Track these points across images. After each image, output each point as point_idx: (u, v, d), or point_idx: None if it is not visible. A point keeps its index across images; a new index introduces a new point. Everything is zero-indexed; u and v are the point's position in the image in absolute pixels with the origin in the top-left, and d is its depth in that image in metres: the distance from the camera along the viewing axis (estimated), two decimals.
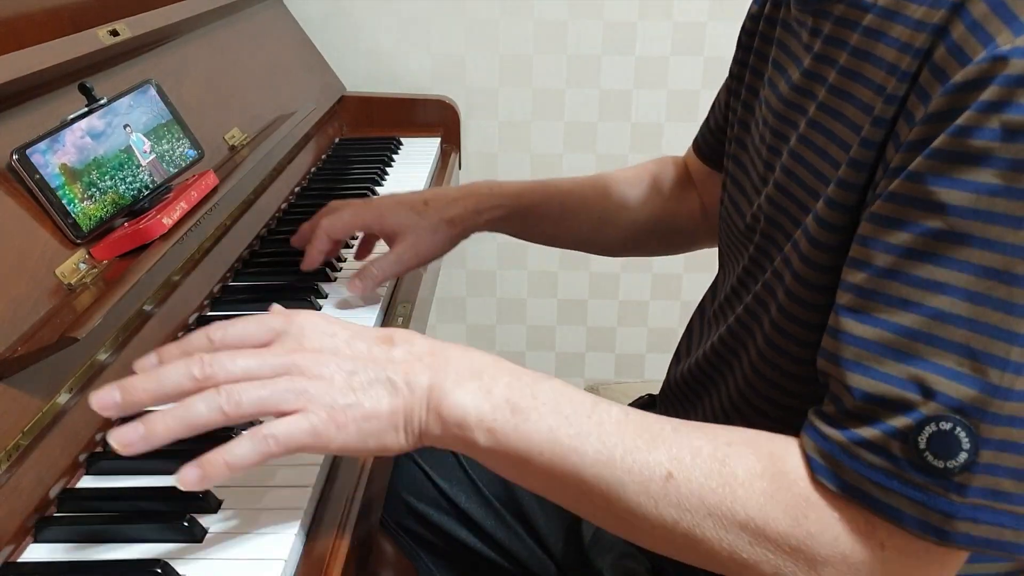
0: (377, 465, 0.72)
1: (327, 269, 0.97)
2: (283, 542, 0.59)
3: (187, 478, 0.53)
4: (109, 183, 0.82)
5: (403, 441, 0.57)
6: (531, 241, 1.00)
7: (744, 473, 0.54)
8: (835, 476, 0.52)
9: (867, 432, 0.51)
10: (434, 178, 1.41)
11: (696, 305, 0.86)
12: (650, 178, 1.01)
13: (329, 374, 0.56)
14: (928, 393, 0.49)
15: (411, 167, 1.41)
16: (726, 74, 0.85)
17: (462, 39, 1.68)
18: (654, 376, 1.90)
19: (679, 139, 1.68)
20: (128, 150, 0.86)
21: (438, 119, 1.61)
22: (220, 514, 0.62)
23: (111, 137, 0.85)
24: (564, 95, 1.71)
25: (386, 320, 0.93)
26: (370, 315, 0.90)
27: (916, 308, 0.50)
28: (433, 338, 0.61)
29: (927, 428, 0.49)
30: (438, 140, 1.53)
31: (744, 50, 0.79)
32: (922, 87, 0.52)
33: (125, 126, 0.85)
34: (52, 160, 0.77)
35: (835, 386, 0.54)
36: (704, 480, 0.54)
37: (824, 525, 0.52)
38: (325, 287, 0.94)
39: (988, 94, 0.47)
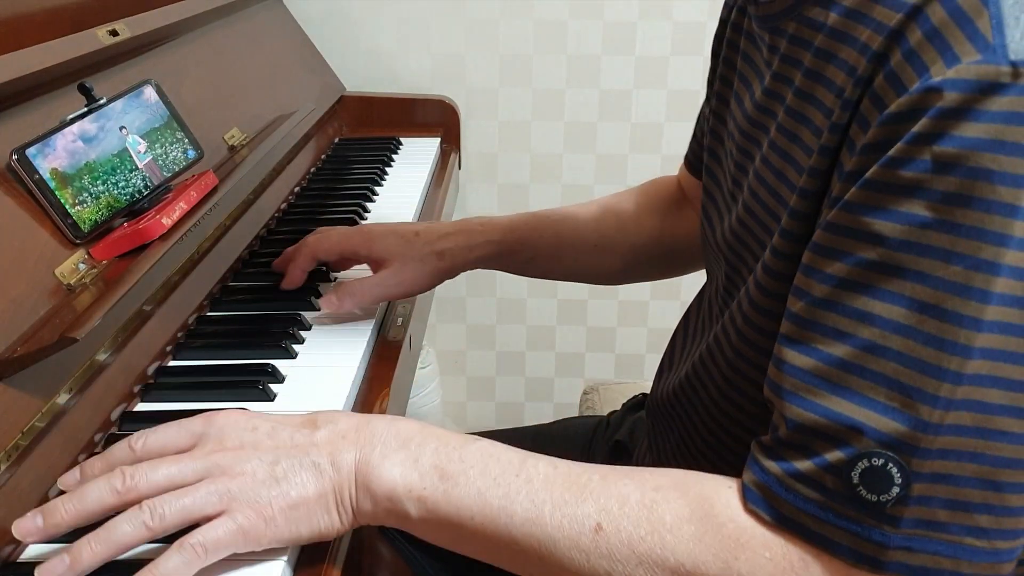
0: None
1: (327, 270, 0.97)
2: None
3: None
4: (103, 187, 0.82)
5: (337, 523, 0.57)
6: (529, 276, 0.98)
7: (672, 518, 0.54)
8: (771, 507, 0.52)
9: (802, 464, 0.51)
10: (434, 178, 1.41)
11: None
12: (645, 199, 0.99)
13: (251, 469, 0.56)
14: (860, 428, 0.49)
15: (411, 167, 1.41)
16: None
17: (462, 39, 1.68)
18: (654, 376, 1.90)
19: (679, 139, 1.68)
20: (124, 152, 0.86)
21: (438, 119, 1.61)
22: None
23: (107, 140, 0.85)
24: (564, 95, 1.71)
25: (386, 320, 0.93)
26: (370, 316, 0.90)
27: (849, 340, 0.50)
28: (357, 413, 0.61)
29: (859, 464, 0.49)
30: (438, 140, 1.53)
31: (714, 56, 0.78)
32: (863, 115, 0.51)
33: (121, 128, 0.85)
34: (50, 161, 0.77)
35: (775, 415, 0.54)
36: (633, 529, 0.54)
37: (755, 566, 0.52)
38: (324, 287, 0.94)
39: (920, 126, 0.47)
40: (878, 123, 0.49)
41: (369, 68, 1.69)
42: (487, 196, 1.77)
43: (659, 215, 0.98)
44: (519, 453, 0.58)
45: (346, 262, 0.95)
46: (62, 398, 0.67)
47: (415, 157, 1.45)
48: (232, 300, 0.92)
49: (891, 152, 0.48)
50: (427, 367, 1.79)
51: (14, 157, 0.74)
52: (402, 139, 1.52)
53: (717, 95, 0.74)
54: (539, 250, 0.94)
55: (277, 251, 1.03)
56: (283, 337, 0.84)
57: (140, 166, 0.86)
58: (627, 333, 1.89)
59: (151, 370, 0.78)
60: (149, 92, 0.93)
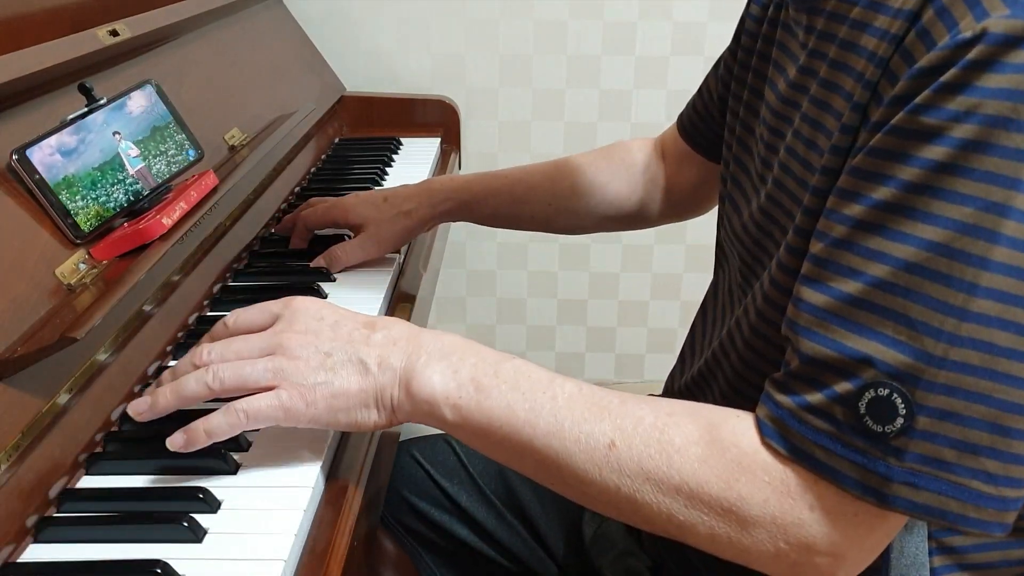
0: (378, 463, 0.73)
1: (327, 270, 0.97)
2: (283, 541, 0.59)
3: (175, 441, 0.62)
4: (92, 194, 0.82)
5: (376, 417, 0.63)
6: (496, 227, 1.08)
7: (681, 440, 0.57)
8: (783, 439, 0.55)
9: (813, 397, 0.54)
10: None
11: (697, 305, 0.85)
12: (606, 158, 1.04)
13: (307, 355, 0.62)
14: (868, 360, 0.51)
15: (411, 167, 1.41)
16: None
17: (462, 39, 1.68)
18: (654, 376, 1.91)
19: None
20: (116, 159, 0.85)
21: (438, 119, 1.61)
22: (220, 514, 0.62)
23: (98, 146, 0.85)
24: (564, 95, 1.71)
25: None
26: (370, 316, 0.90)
27: (861, 277, 0.52)
28: (411, 324, 0.66)
29: (867, 393, 0.51)
30: (438, 140, 1.53)
31: (745, 52, 0.79)
32: (892, 71, 0.54)
33: (115, 133, 0.85)
34: (50, 162, 0.77)
35: (789, 352, 0.57)
36: (643, 447, 0.57)
37: (754, 489, 0.55)
38: (325, 287, 0.95)
39: (948, 76, 0.49)
40: (907, 76, 0.51)
41: (369, 68, 1.69)
42: None
43: (619, 173, 1.03)
44: (549, 374, 0.63)
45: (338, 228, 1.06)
46: (62, 398, 0.67)
47: (415, 157, 1.45)
48: (232, 300, 0.92)
49: (917, 100, 0.50)
50: None
51: (14, 157, 0.74)
52: (402, 139, 1.52)
53: (751, 88, 0.76)
54: (497, 207, 1.03)
55: (278, 251, 1.03)
56: None
57: (132, 172, 0.85)
58: (627, 333, 1.89)
59: (151, 370, 0.78)
60: (149, 92, 0.93)
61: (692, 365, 0.79)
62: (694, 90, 0.96)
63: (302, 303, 0.66)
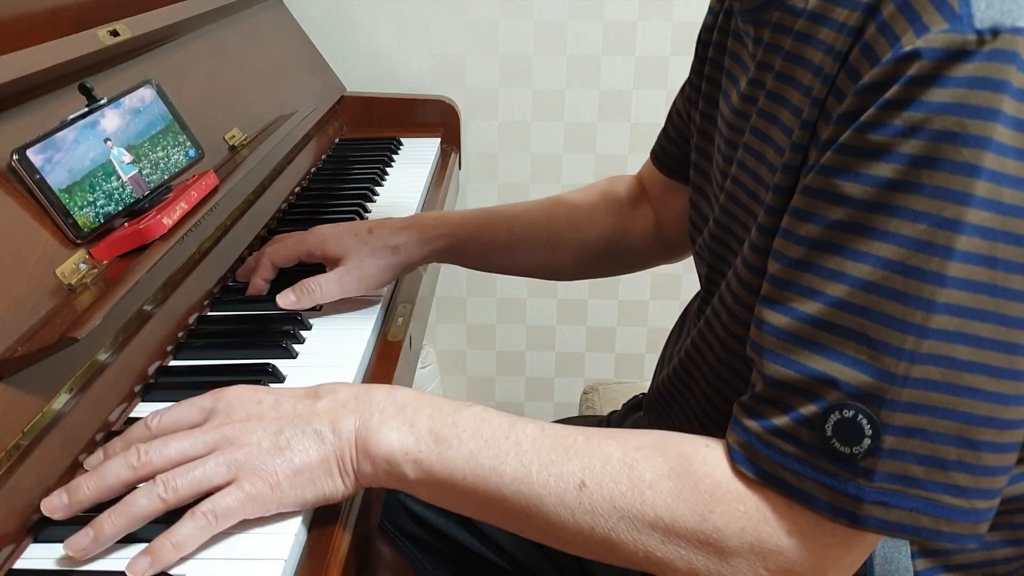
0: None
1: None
2: (283, 543, 0.59)
3: (138, 567, 0.55)
4: (93, 194, 0.82)
5: (341, 486, 0.61)
6: (484, 270, 0.99)
7: (652, 475, 0.56)
8: (752, 464, 0.54)
9: (779, 420, 0.53)
10: (434, 178, 1.41)
11: None
12: (600, 197, 1.00)
13: (256, 440, 0.59)
14: (831, 381, 0.51)
15: (411, 167, 1.41)
16: None
17: (462, 39, 1.68)
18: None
19: None
20: (107, 165, 0.85)
21: (438, 119, 1.61)
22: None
23: (98, 146, 0.85)
24: (564, 95, 1.71)
25: (386, 320, 0.93)
26: (370, 316, 0.90)
27: (821, 297, 0.52)
28: (357, 384, 0.64)
29: (832, 416, 0.51)
30: (438, 140, 1.53)
31: (700, 60, 0.79)
32: (839, 87, 0.53)
33: (106, 140, 0.84)
34: (50, 162, 0.77)
35: (755, 374, 0.56)
36: (614, 485, 0.56)
37: (729, 519, 0.54)
38: None
39: (892, 93, 0.49)
40: (853, 93, 0.51)
41: (369, 68, 1.69)
42: (487, 196, 1.77)
43: (613, 213, 0.99)
44: (509, 417, 0.61)
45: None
46: (62, 398, 0.67)
47: (415, 157, 1.45)
48: (233, 300, 0.92)
49: (863, 118, 0.50)
50: (427, 367, 1.79)
51: (15, 157, 0.74)
52: (402, 139, 1.52)
53: (705, 96, 0.76)
54: (491, 245, 0.95)
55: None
56: (283, 337, 0.84)
57: (125, 178, 0.85)
58: (627, 333, 1.89)
59: (152, 370, 0.78)
60: (149, 92, 0.93)
61: (668, 368, 0.78)
62: None
63: (234, 392, 0.63)
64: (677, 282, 1.83)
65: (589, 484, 0.57)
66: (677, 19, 1.66)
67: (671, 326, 0.88)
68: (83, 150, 0.81)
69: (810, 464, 0.52)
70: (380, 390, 0.63)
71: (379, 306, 0.92)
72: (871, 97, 0.50)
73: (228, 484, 0.58)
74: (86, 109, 0.84)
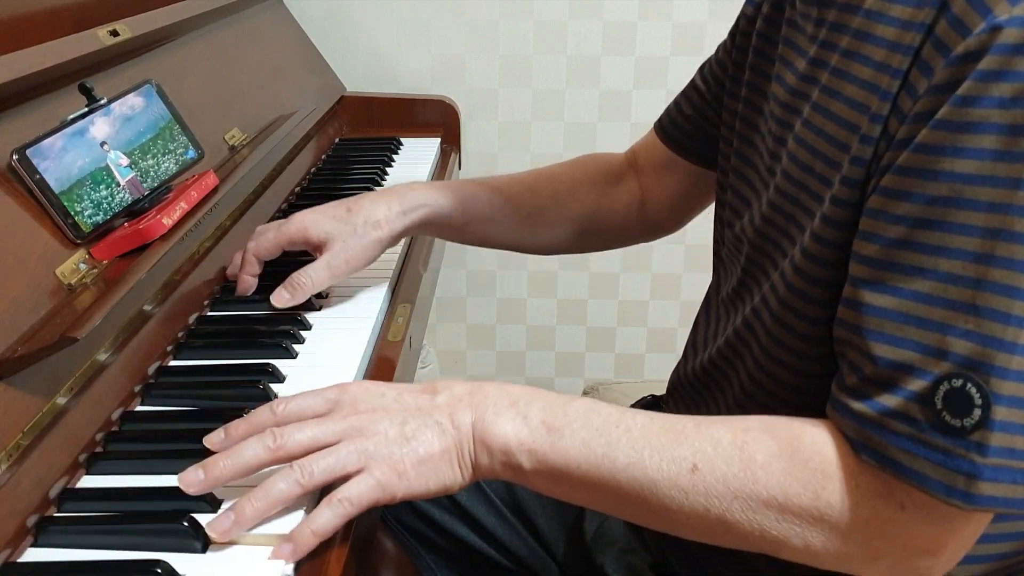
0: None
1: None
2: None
3: (282, 552, 0.58)
4: (93, 194, 0.82)
5: (459, 476, 0.63)
6: (464, 243, 0.99)
7: (763, 456, 0.57)
8: (866, 447, 0.55)
9: (890, 400, 0.54)
10: (434, 178, 1.41)
11: (697, 305, 0.85)
12: (583, 172, 1.01)
13: (383, 429, 0.62)
14: (941, 354, 0.52)
15: (411, 167, 1.41)
16: None
17: (462, 39, 1.68)
18: (654, 376, 1.90)
19: None
20: (107, 166, 0.85)
21: (438, 119, 1.61)
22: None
23: (89, 154, 0.85)
24: (564, 95, 1.71)
25: (386, 320, 0.93)
26: (370, 316, 0.90)
27: (928, 274, 0.52)
28: (470, 381, 0.66)
29: (941, 387, 0.52)
30: (438, 140, 1.53)
31: (741, 51, 0.80)
32: (925, 60, 0.54)
33: (106, 140, 0.84)
34: (50, 162, 0.77)
35: (855, 356, 0.56)
36: (726, 467, 0.58)
37: (842, 495, 0.55)
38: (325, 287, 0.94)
39: (985, 63, 0.50)
40: (945, 65, 0.52)
41: (369, 68, 1.69)
42: None
43: (596, 188, 1.00)
44: (617, 408, 0.63)
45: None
46: (62, 398, 0.67)
47: (415, 157, 1.45)
48: (232, 300, 0.92)
49: (959, 91, 0.51)
50: (427, 367, 1.79)
51: (15, 157, 0.74)
52: (402, 139, 1.52)
53: (749, 84, 0.77)
54: (473, 215, 0.95)
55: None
56: (283, 337, 0.84)
57: (122, 182, 0.85)
58: (627, 333, 1.89)
59: (151, 370, 0.78)
60: (149, 92, 0.93)
61: (701, 357, 0.79)
62: None
63: (358, 386, 0.66)
64: (677, 282, 1.83)
65: (701, 467, 0.58)
66: (677, 19, 1.66)
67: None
68: (83, 150, 0.81)
69: (923, 442, 0.52)
70: (493, 386, 0.65)
71: (379, 306, 0.92)
72: (964, 68, 0.51)
73: (358, 472, 0.60)
74: (86, 109, 0.84)
